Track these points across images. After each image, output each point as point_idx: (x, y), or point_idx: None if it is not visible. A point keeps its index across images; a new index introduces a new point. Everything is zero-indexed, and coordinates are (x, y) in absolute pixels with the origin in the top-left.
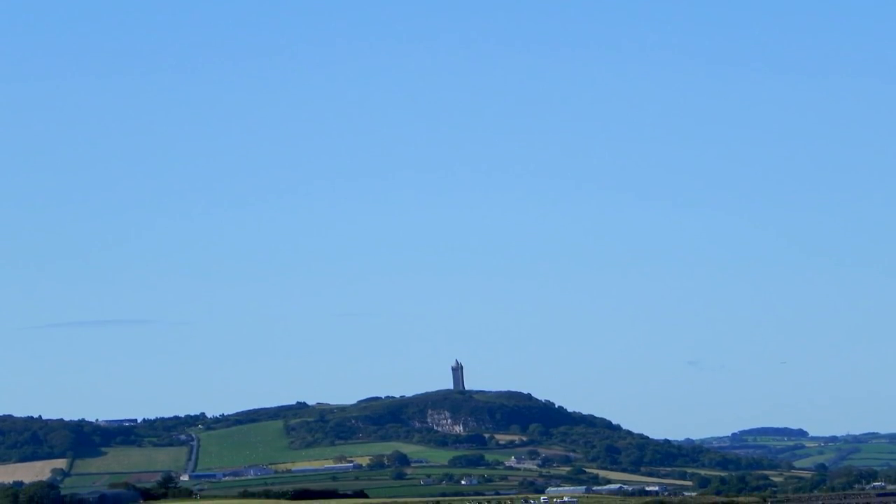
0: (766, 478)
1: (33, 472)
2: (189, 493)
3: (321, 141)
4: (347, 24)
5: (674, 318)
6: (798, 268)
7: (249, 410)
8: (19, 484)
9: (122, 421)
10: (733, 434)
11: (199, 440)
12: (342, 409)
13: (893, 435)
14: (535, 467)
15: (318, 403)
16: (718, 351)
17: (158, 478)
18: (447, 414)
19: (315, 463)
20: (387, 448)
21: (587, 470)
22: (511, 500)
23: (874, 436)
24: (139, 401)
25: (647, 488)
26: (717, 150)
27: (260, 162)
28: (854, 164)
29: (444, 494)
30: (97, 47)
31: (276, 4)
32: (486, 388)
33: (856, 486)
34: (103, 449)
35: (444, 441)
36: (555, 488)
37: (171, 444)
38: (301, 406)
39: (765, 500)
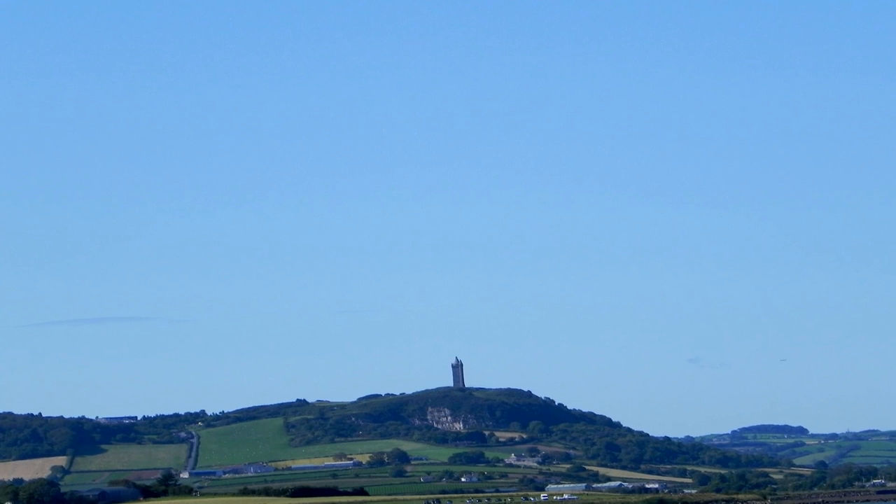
0: (766, 475)
1: (33, 470)
2: (189, 491)
3: (321, 138)
4: (347, 21)
5: (674, 316)
6: (798, 265)
7: (249, 408)
8: (19, 481)
9: (122, 418)
10: (733, 431)
11: (199, 437)
12: (342, 406)
13: (893, 432)
14: (535, 465)
15: (318, 401)
16: (718, 348)
17: (158, 475)
18: (447, 411)
19: (315, 460)
20: (387, 445)
21: (587, 467)
22: (511, 497)
23: (874, 433)
24: (139, 398)
25: (647, 486)
26: (717, 147)
27: (260, 159)
28: (854, 161)
29: (444, 492)
30: (97, 44)
31: (275, 1)
32: (486, 386)
33: (856, 483)
34: (103, 446)
35: (444, 438)
36: (555, 486)
37: (171, 442)
38: (301, 403)
39: (765, 498)
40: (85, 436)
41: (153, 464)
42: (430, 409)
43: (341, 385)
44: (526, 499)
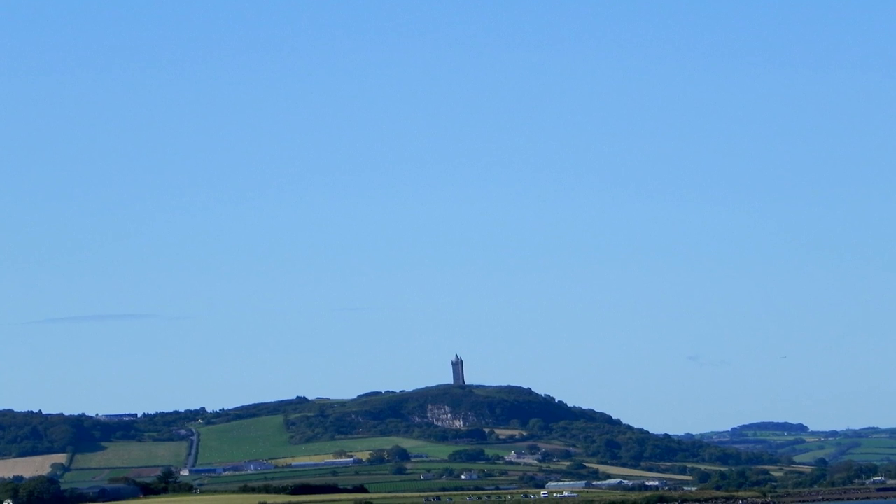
0: (766, 472)
1: (33, 467)
2: (189, 488)
3: (321, 135)
4: (347, 18)
5: (674, 313)
6: (798, 263)
7: (249, 405)
8: (19, 479)
9: (121, 416)
10: (733, 429)
11: (198, 435)
12: (342, 403)
13: (893, 430)
14: (535, 462)
15: (318, 398)
16: (718, 346)
17: (158, 473)
18: (447, 409)
19: (315, 458)
20: (387, 443)
21: (587, 465)
22: (511, 494)
23: (874, 430)
24: (139, 395)
25: (647, 483)
26: (717, 144)
27: (260, 156)
28: (854, 158)
29: (444, 489)
30: (97, 42)
31: None
32: (486, 383)
33: (856, 480)
34: (103, 444)
35: (443, 436)
36: (555, 483)
37: (171, 439)
38: (301, 401)
39: (765, 495)
40: (85, 433)
41: (153, 461)
42: (430, 407)
43: (341, 382)
44: (526, 496)
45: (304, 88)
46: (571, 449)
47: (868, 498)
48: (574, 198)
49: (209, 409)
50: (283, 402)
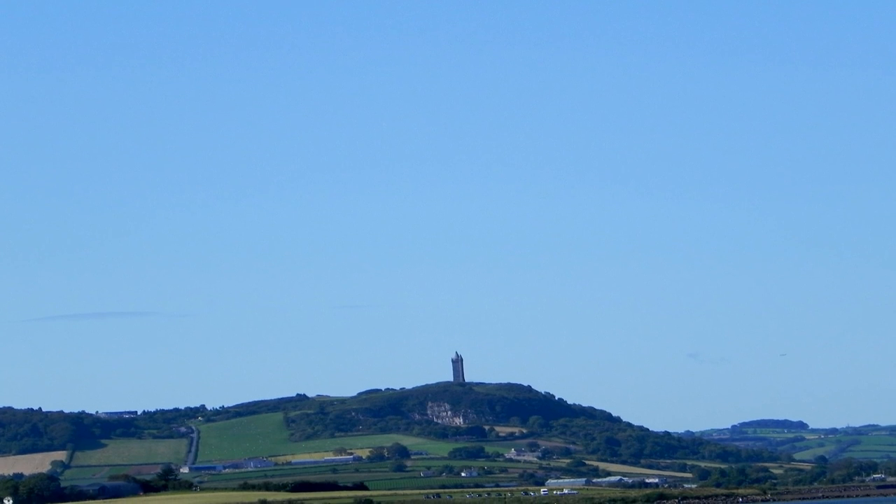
0: (766, 470)
1: (33, 465)
2: (189, 486)
3: (320, 133)
4: (347, 15)
5: (674, 311)
6: (798, 260)
7: (249, 402)
8: (19, 476)
9: (122, 413)
10: (733, 426)
11: (198, 432)
12: (342, 401)
13: (893, 427)
14: (535, 459)
15: (318, 395)
16: (718, 343)
17: (158, 470)
18: (447, 406)
19: (315, 455)
20: (387, 440)
21: (587, 462)
22: (511, 492)
23: (874, 428)
24: (139, 393)
25: (647, 480)
26: (717, 142)
27: (260, 154)
28: (854, 156)
29: (444, 486)
30: (97, 39)
31: None
32: (486, 381)
33: (856, 478)
34: (103, 441)
35: (444, 433)
36: (555, 480)
37: (171, 437)
38: (301, 398)
39: (765, 492)
40: (85, 430)
41: (153, 458)
42: (430, 404)
43: (341, 380)
44: (526, 493)
45: (303, 86)
46: (571, 446)
47: (868, 495)
48: (574, 195)
49: (209, 407)
50: (283, 399)
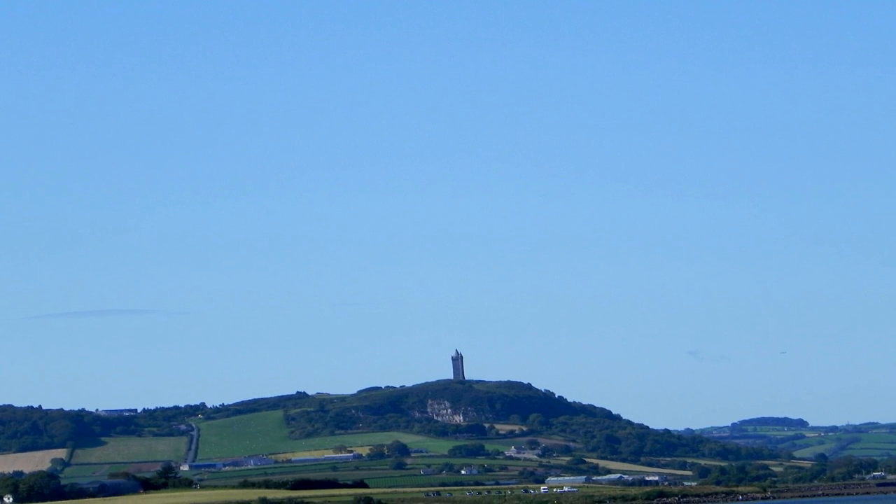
0: (766, 468)
1: (33, 462)
2: (189, 483)
3: (320, 131)
4: (347, 13)
5: (674, 308)
6: (798, 258)
7: (249, 400)
8: (19, 474)
9: (122, 411)
10: (733, 424)
11: (198, 430)
12: (342, 399)
13: (893, 425)
14: (534, 457)
15: (318, 393)
16: (718, 341)
17: (158, 468)
18: (447, 404)
19: (315, 453)
20: (387, 438)
21: (587, 460)
22: (511, 489)
23: (874, 425)
24: (139, 391)
25: (647, 478)
26: (717, 140)
27: (260, 152)
28: (854, 154)
29: (444, 484)
30: (97, 37)
31: None
32: (486, 378)
33: (856, 475)
34: (103, 439)
35: (444, 431)
36: (555, 478)
37: (171, 434)
38: (301, 396)
39: (765, 490)
40: (85, 428)
41: (153, 456)
42: (430, 402)
43: (341, 378)
44: (526, 491)
45: (303, 84)
46: (571, 444)
47: (868, 493)
48: (574, 193)
49: (209, 405)
50: (282, 397)
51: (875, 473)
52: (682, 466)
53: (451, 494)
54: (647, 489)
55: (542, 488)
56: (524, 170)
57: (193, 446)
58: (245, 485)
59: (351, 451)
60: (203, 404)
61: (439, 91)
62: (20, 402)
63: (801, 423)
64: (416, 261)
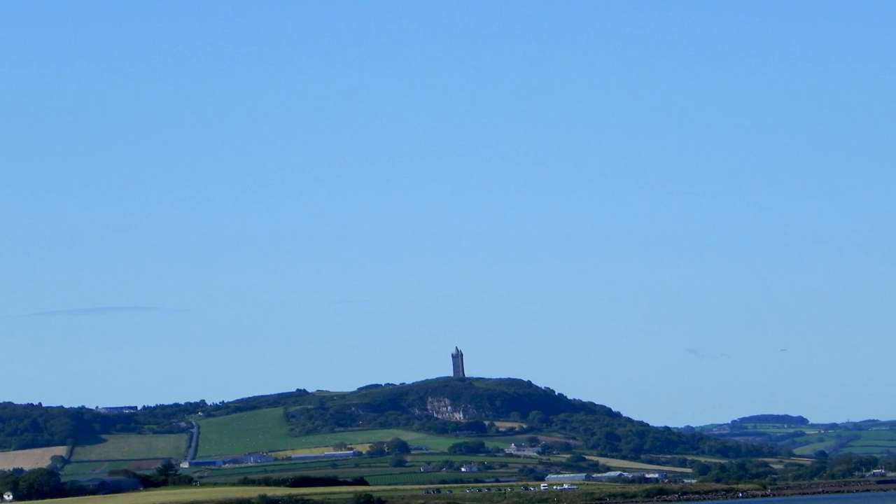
0: (766, 465)
1: (33, 460)
2: (189, 481)
3: (320, 128)
4: (347, 10)
5: (674, 306)
6: (798, 255)
7: (249, 398)
8: (19, 471)
9: (122, 408)
10: (733, 421)
11: (198, 427)
12: (342, 396)
13: (894, 422)
14: (535, 454)
15: (318, 391)
16: (718, 338)
17: (158, 465)
18: (447, 401)
19: (315, 450)
20: (387, 435)
21: (587, 457)
22: (511, 487)
23: (874, 423)
24: (139, 388)
25: (647, 475)
26: (717, 137)
27: (260, 149)
28: (854, 151)
29: (444, 481)
30: (97, 34)
31: None
32: (486, 376)
33: (856, 473)
34: (103, 436)
35: (444, 428)
36: (555, 475)
37: (171, 432)
38: (301, 393)
39: (765, 488)
40: (85, 426)
41: (153, 454)
42: (430, 399)
43: (341, 375)
44: (526, 489)
45: (303, 81)
46: (571, 441)
47: (868, 490)
48: (573, 190)
49: (209, 402)
50: (282, 394)
51: (875, 471)
52: (682, 464)
53: (450, 492)
54: (646, 486)
55: (542, 486)
56: (524, 167)
57: (193, 444)
58: (245, 482)
59: (351, 449)
60: (203, 402)
61: (439, 88)
62: (20, 399)
63: (801, 421)
64: (416, 258)
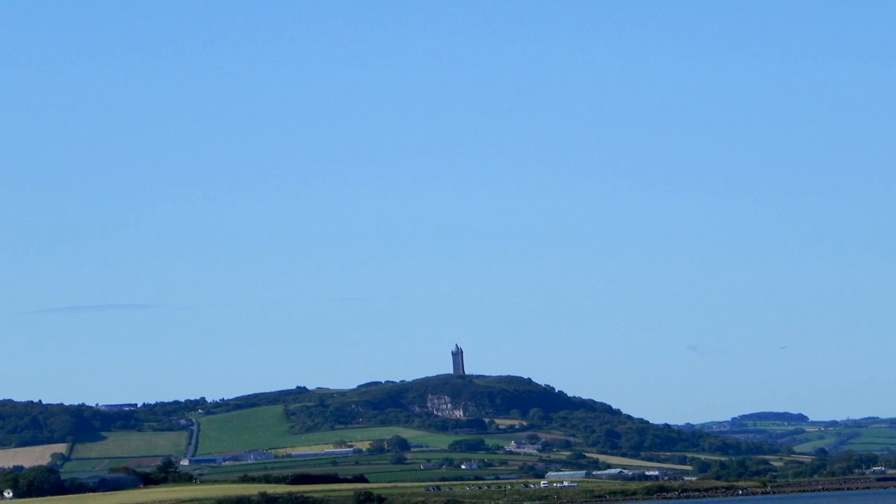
0: (766, 462)
1: (33, 457)
2: (189, 478)
3: (320, 126)
4: (347, 8)
5: (674, 303)
6: (798, 252)
7: (249, 395)
8: (19, 468)
9: (122, 405)
10: (733, 419)
11: (198, 425)
12: (342, 393)
13: (894, 419)
14: (535, 452)
15: (318, 388)
16: (718, 336)
17: (158, 462)
18: (447, 399)
19: (315, 448)
20: (387, 433)
21: (587, 454)
22: (511, 484)
23: (874, 420)
24: (139, 385)
25: (647, 473)
26: (717, 135)
27: (260, 147)
28: (854, 148)
29: (444, 479)
30: (97, 32)
31: None
32: (486, 373)
33: (856, 470)
34: (103, 433)
35: (444, 426)
36: (555, 473)
37: (171, 429)
38: (301, 391)
39: (765, 485)
40: (85, 423)
41: (153, 451)
42: (430, 397)
43: (341, 372)
44: (526, 486)
45: (303, 79)
46: (571, 439)
47: (868, 488)
48: (574, 187)
49: (209, 399)
50: (283, 391)
51: (875, 468)
52: (682, 461)
53: (451, 489)
54: (647, 484)
55: (542, 483)
56: (523, 165)
57: (193, 441)
58: (245, 479)
59: (351, 446)
60: (203, 399)
61: (438, 86)
62: (20, 396)
63: (801, 418)
64: (416, 256)
